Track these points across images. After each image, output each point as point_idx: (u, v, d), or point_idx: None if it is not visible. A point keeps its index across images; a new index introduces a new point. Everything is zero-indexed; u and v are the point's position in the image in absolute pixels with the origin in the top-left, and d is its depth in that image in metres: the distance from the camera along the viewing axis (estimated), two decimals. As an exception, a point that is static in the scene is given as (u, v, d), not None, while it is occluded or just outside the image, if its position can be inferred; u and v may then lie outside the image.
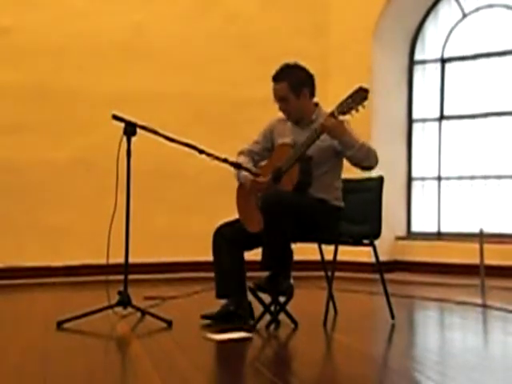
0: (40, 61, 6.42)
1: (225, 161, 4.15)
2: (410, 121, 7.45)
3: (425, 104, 7.39)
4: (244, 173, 4.23)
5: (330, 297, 4.31)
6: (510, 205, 6.86)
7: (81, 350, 3.51)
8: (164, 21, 6.83)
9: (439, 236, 7.20)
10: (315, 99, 4.29)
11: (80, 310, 4.12)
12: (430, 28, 7.38)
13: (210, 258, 4.33)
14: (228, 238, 4.24)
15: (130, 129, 4.11)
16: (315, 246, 4.44)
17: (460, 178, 7.18)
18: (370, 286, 5.68)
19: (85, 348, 3.58)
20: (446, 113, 7.28)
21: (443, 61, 7.32)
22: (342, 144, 4.02)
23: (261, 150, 4.39)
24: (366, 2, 7.10)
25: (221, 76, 6.85)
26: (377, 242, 4.32)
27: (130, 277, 4.18)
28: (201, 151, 4.14)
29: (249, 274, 4.26)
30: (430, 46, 7.38)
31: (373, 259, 4.34)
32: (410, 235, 7.37)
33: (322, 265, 4.55)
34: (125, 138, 4.10)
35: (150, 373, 3.05)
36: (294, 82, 4.19)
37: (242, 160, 4.32)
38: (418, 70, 7.45)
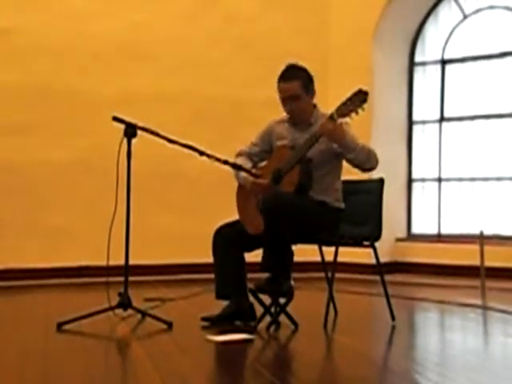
0: (40, 61, 6.42)
1: (225, 162, 4.15)
2: (411, 122, 7.45)
3: (425, 105, 7.39)
4: (243, 174, 4.23)
5: (331, 298, 4.31)
6: (510, 206, 6.86)
7: (81, 352, 3.51)
8: (164, 21, 6.83)
9: (439, 237, 7.20)
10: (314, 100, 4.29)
11: (80, 311, 4.12)
12: (431, 29, 7.38)
13: (210, 259, 4.33)
14: (228, 239, 4.24)
15: (131, 130, 4.11)
16: (315, 247, 4.44)
17: (460, 179, 7.17)
18: (371, 287, 5.68)
19: (85, 349, 3.58)
20: (446, 114, 7.28)
21: (443, 62, 7.32)
22: (342, 147, 4.02)
23: (259, 152, 4.38)
24: (366, 3, 7.10)
25: (221, 77, 6.86)
26: (377, 244, 4.32)
27: (131, 278, 4.18)
28: (201, 153, 4.14)
29: (249, 275, 4.26)
30: (430, 48, 7.38)
31: (373, 260, 4.34)
32: (411, 237, 7.36)
33: (322, 266, 4.55)
34: (125, 140, 4.10)
35: (150, 374, 3.05)
36: (305, 81, 4.18)
37: (241, 161, 4.31)
38: (419, 72, 7.45)
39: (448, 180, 7.25)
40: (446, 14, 7.29)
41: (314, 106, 4.27)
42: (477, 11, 7.13)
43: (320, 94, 4.33)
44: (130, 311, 4.20)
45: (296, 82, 4.16)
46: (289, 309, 4.13)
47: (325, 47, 7.11)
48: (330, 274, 4.35)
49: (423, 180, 7.39)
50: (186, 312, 4.78)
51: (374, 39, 7.10)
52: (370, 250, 4.31)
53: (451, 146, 7.24)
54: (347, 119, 3.99)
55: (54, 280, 6.22)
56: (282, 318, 4.13)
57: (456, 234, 7.08)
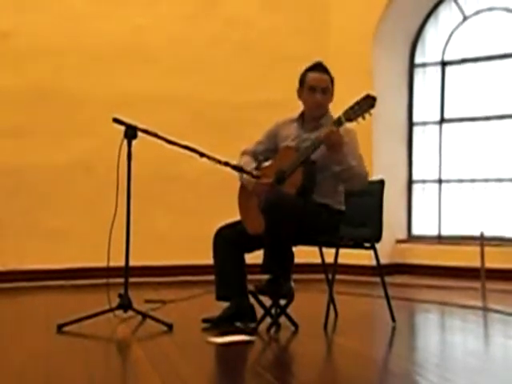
0: (40, 63, 6.42)
1: (226, 164, 4.15)
2: (411, 124, 7.45)
3: (425, 107, 7.39)
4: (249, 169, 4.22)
5: (331, 300, 4.31)
6: (511, 208, 6.85)
7: (81, 353, 3.51)
8: (164, 23, 6.83)
9: (440, 239, 7.20)
10: None
11: (80, 313, 4.12)
12: (431, 31, 7.38)
13: (210, 261, 4.33)
14: (228, 240, 4.24)
15: (131, 132, 4.11)
16: (316, 248, 4.44)
17: (460, 181, 7.17)
18: (371, 288, 5.68)
19: (85, 351, 3.58)
20: (446, 116, 7.27)
21: (444, 64, 7.32)
22: (331, 158, 4.03)
23: (264, 151, 4.38)
24: (367, 4, 7.10)
25: (221, 79, 6.86)
26: (377, 245, 4.32)
27: (131, 280, 4.18)
28: (201, 154, 4.14)
29: (250, 277, 4.26)
30: (430, 49, 7.38)
31: (373, 262, 4.34)
32: (411, 238, 7.36)
33: (322, 268, 4.55)
34: (125, 141, 4.10)
35: (150, 376, 3.05)
36: (333, 81, 4.26)
37: (245, 159, 4.32)
38: (419, 73, 7.45)
39: (448, 181, 7.25)
40: (446, 16, 7.29)
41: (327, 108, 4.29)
42: (477, 13, 7.13)
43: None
44: (130, 313, 4.19)
45: (329, 77, 4.24)
46: (289, 310, 4.13)
47: (325, 49, 7.09)
48: (330, 276, 4.35)
49: (423, 181, 7.39)
50: (187, 314, 4.78)
51: (374, 41, 7.10)
52: (371, 252, 4.31)
53: (451, 147, 7.23)
54: (355, 127, 4.00)
55: (54, 281, 6.22)
56: (283, 319, 4.13)
57: (456, 236, 7.08)
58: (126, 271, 4.14)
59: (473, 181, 7.09)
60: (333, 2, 7.20)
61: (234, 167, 4.19)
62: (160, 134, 4.16)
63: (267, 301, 4.18)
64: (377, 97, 3.96)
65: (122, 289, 4.12)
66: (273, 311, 4.17)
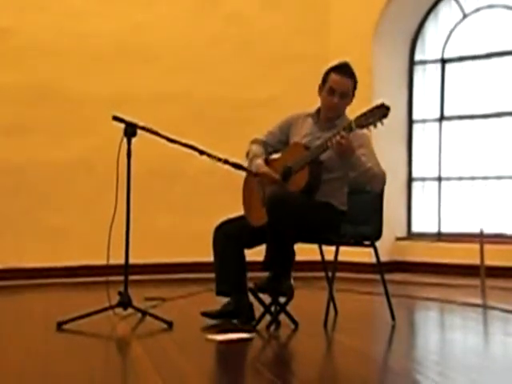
0: (40, 62, 6.41)
1: (225, 162, 4.14)
2: (411, 121, 7.44)
3: (425, 105, 7.39)
4: (258, 161, 4.22)
5: (331, 297, 4.31)
6: (510, 205, 6.85)
7: (81, 351, 3.52)
8: (164, 22, 6.83)
9: (439, 236, 7.20)
10: None
11: (80, 310, 4.12)
12: (430, 28, 7.37)
13: (210, 258, 4.33)
14: (229, 235, 4.24)
15: (131, 130, 4.11)
16: (316, 246, 4.44)
17: (460, 178, 7.17)
18: (371, 286, 5.68)
19: (85, 349, 3.58)
20: (446, 113, 7.27)
21: (443, 61, 7.32)
22: (346, 164, 4.02)
23: (275, 142, 4.36)
24: (366, 2, 7.09)
25: (221, 77, 6.85)
26: (377, 243, 4.32)
27: (131, 277, 4.18)
28: (201, 152, 4.14)
29: (250, 274, 4.26)
30: (430, 47, 7.38)
31: (373, 260, 4.34)
32: (411, 236, 7.36)
33: (322, 265, 4.55)
34: (125, 139, 4.10)
35: (150, 373, 3.05)
36: (355, 85, 4.22)
37: (255, 149, 4.31)
38: (419, 71, 7.45)
39: (448, 179, 7.25)
40: (446, 13, 7.28)
41: (344, 110, 4.27)
42: (476, 10, 7.13)
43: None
44: (130, 310, 4.19)
45: (352, 82, 4.20)
46: (289, 308, 4.13)
47: (325, 47, 7.09)
48: (330, 274, 4.35)
49: (423, 179, 7.39)
50: (186, 311, 4.78)
51: (373, 38, 7.10)
52: (371, 250, 4.31)
53: (451, 144, 7.23)
54: (365, 130, 4.00)
55: (54, 279, 6.22)
56: (282, 317, 4.13)
57: (456, 233, 7.08)
58: (126, 269, 4.14)
59: (472, 178, 7.09)
60: (333, 0, 7.18)
61: (234, 165, 4.18)
62: (160, 131, 4.16)
63: (267, 298, 4.18)
64: (390, 107, 3.95)
65: (122, 286, 4.12)
66: (272, 309, 4.17)
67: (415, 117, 7.43)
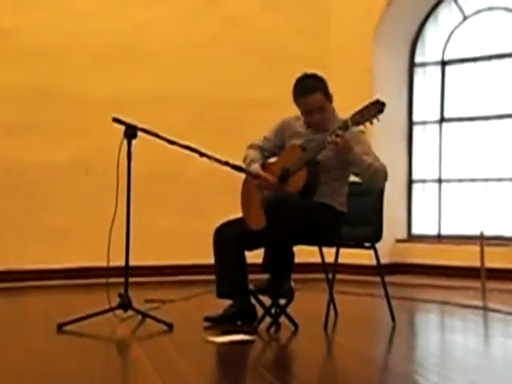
0: (40, 63, 6.41)
1: (226, 163, 4.14)
2: (411, 123, 7.44)
3: (425, 106, 7.39)
4: (255, 166, 4.22)
5: (331, 299, 4.31)
6: (511, 207, 6.85)
7: (81, 353, 3.51)
8: (164, 23, 6.83)
9: (440, 238, 7.19)
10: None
11: (80, 312, 4.11)
12: (431, 30, 7.38)
13: (210, 260, 4.32)
14: (228, 237, 4.24)
15: (131, 131, 4.11)
16: (316, 248, 4.44)
17: (460, 180, 7.17)
18: (371, 288, 5.67)
19: (85, 351, 3.58)
20: (446, 115, 7.27)
21: (443, 63, 7.32)
22: (346, 161, 4.02)
23: (271, 147, 4.37)
24: (367, 4, 7.09)
25: (221, 78, 6.85)
26: (377, 245, 4.32)
27: (131, 279, 4.18)
28: (201, 154, 4.14)
29: (250, 276, 4.26)
30: (430, 49, 7.38)
31: (373, 262, 4.33)
32: (411, 238, 7.35)
33: (322, 267, 4.55)
34: (125, 141, 4.10)
35: (150, 376, 3.05)
36: (325, 90, 4.17)
37: (252, 154, 4.32)
38: (419, 73, 7.45)
39: (448, 181, 7.25)
40: (446, 15, 7.28)
41: (333, 110, 4.26)
42: (477, 12, 7.13)
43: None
44: (130, 312, 4.19)
45: (318, 94, 4.13)
46: (289, 310, 4.13)
47: (325, 48, 7.10)
48: (330, 276, 4.35)
49: (423, 181, 7.39)
50: (187, 313, 4.78)
51: (374, 40, 7.10)
52: (371, 251, 4.30)
53: (451, 146, 7.23)
54: (362, 127, 4.00)
55: (54, 281, 6.22)
56: (283, 319, 4.13)
57: (456, 235, 7.08)
58: (126, 271, 4.14)
59: (473, 180, 7.09)
60: (333, 1, 7.19)
61: (234, 167, 4.18)
62: (160, 133, 4.16)
63: (267, 300, 4.18)
64: (386, 102, 3.94)
65: (122, 288, 4.12)
66: (273, 311, 4.17)
67: (415, 118, 7.43)
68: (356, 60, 7.04)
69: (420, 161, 7.41)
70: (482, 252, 5.68)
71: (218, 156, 4.15)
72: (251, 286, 4.15)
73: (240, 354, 3.56)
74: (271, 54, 6.92)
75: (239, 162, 4.29)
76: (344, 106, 4.08)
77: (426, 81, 7.40)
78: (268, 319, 4.14)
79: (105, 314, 4.10)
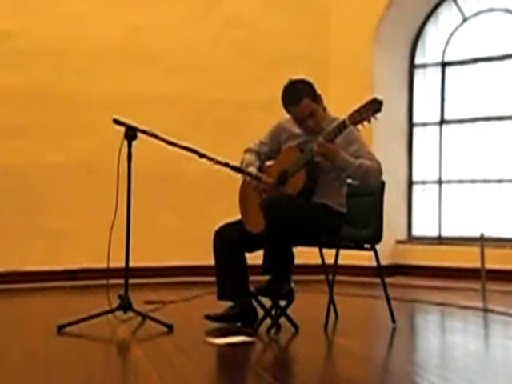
0: (40, 64, 6.42)
1: (226, 165, 4.14)
2: (411, 125, 7.45)
3: (425, 108, 7.39)
4: (250, 169, 4.22)
5: (331, 301, 4.31)
6: (511, 209, 6.85)
7: (81, 355, 3.51)
8: (164, 24, 6.83)
9: (440, 240, 7.20)
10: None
11: (80, 314, 4.11)
12: (431, 32, 7.38)
13: (210, 261, 4.33)
14: (228, 239, 4.24)
15: (131, 133, 4.11)
16: (316, 249, 4.44)
17: (461, 181, 7.17)
18: (371, 289, 5.68)
19: (85, 352, 3.57)
20: (446, 117, 7.28)
21: (444, 65, 7.33)
22: (335, 166, 4.03)
23: (267, 151, 4.38)
24: (367, 5, 7.10)
25: (222, 79, 6.86)
26: (378, 246, 4.32)
27: (131, 281, 4.18)
28: (201, 155, 4.14)
29: (250, 277, 4.26)
30: (430, 50, 7.39)
31: (374, 263, 4.34)
32: (411, 239, 7.36)
33: (322, 269, 4.55)
34: (125, 142, 4.10)
35: (150, 377, 3.05)
36: (310, 93, 4.13)
37: (248, 157, 4.32)
38: (419, 74, 7.45)
39: (448, 182, 7.25)
40: (446, 17, 7.29)
41: (324, 109, 4.26)
42: (477, 14, 7.14)
43: (320, 97, 4.33)
44: (130, 314, 4.19)
45: (306, 100, 4.10)
46: (289, 311, 4.12)
47: (325, 49, 7.11)
48: (330, 277, 4.35)
49: (424, 182, 7.39)
50: (187, 314, 4.78)
51: (374, 41, 7.10)
52: (371, 253, 4.31)
53: (452, 148, 7.24)
54: (359, 126, 4.00)
55: (54, 282, 6.22)
56: (283, 320, 4.12)
57: (456, 237, 7.08)
58: (126, 272, 4.14)
59: (473, 182, 7.09)
60: (333, 2, 7.20)
61: (234, 168, 4.18)
62: (160, 134, 4.16)
63: (267, 302, 4.18)
64: (383, 101, 3.94)
65: (122, 290, 4.12)
66: (273, 312, 4.17)
67: (415, 120, 7.44)
68: (356, 61, 7.04)
69: (420, 162, 7.41)
70: (482, 253, 5.68)
71: (218, 157, 4.15)
72: (251, 288, 4.15)
73: (240, 355, 3.56)
74: (272, 56, 6.92)
75: (239, 164, 4.30)
76: (344, 108, 4.08)
77: (426, 82, 7.41)
78: (268, 321, 4.14)
79: (105, 315, 4.11)
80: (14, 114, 6.34)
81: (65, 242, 6.38)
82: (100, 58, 6.59)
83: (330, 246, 4.31)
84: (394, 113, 7.26)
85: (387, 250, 6.70)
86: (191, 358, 3.47)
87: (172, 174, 6.66)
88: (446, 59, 7.31)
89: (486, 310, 5.03)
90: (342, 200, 4.23)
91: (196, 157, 4.16)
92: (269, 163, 4.38)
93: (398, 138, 7.35)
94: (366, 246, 4.34)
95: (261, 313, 4.19)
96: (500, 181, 6.94)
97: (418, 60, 7.45)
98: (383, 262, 4.45)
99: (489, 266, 5.74)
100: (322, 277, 4.58)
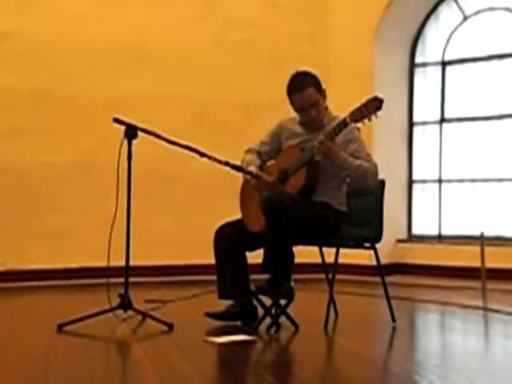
0: (40, 64, 6.42)
1: (226, 164, 4.15)
2: (411, 124, 7.44)
3: (425, 107, 7.39)
4: (251, 168, 4.22)
5: (331, 300, 4.31)
6: (511, 207, 6.85)
7: (81, 353, 3.51)
8: (165, 25, 6.83)
9: (440, 239, 7.20)
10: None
11: (81, 312, 4.12)
12: (431, 31, 7.38)
13: (211, 260, 4.33)
14: (229, 238, 4.24)
15: (131, 131, 4.11)
16: (316, 248, 4.44)
17: (461, 180, 7.17)
18: (371, 288, 5.68)
19: (85, 351, 3.58)
20: (446, 116, 7.27)
21: (444, 64, 7.32)
22: (335, 165, 4.04)
23: (268, 151, 4.38)
24: (367, 5, 7.09)
25: (221, 80, 6.85)
26: (378, 245, 4.32)
27: (131, 280, 4.18)
28: (202, 154, 4.14)
29: (250, 276, 4.26)
30: (430, 49, 7.38)
31: (374, 262, 4.34)
32: (411, 238, 7.36)
33: (323, 267, 4.55)
34: (126, 141, 4.11)
35: (150, 376, 3.05)
36: (316, 85, 4.18)
37: (250, 158, 4.32)
38: (419, 73, 7.45)
39: (449, 181, 7.25)
40: (447, 16, 7.29)
41: (326, 108, 4.27)
42: (477, 13, 7.13)
43: (320, 96, 4.33)
44: (130, 312, 4.20)
45: (310, 89, 4.14)
46: (289, 310, 4.13)
47: (325, 49, 7.11)
48: (330, 276, 4.35)
49: (424, 181, 7.39)
50: (187, 313, 4.78)
51: (374, 40, 7.10)
52: (371, 252, 4.31)
53: (452, 147, 7.23)
54: (359, 124, 4.00)
55: (54, 281, 6.22)
56: (283, 319, 4.13)
57: (457, 236, 7.08)
58: (127, 271, 4.14)
59: (473, 181, 7.09)
60: (333, 2, 7.20)
61: (235, 167, 4.19)
62: (160, 133, 4.16)
63: (267, 300, 4.18)
64: (384, 99, 3.95)
65: (123, 288, 4.13)
66: (273, 311, 4.17)
67: (416, 119, 7.43)
68: (356, 60, 7.04)
69: (420, 161, 7.41)
70: (482, 252, 5.68)
71: (218, 156, 4.15)
72: (252, 287, 4.15)
73: (240, 354, 3.56)
74: (272, 56, 6.92)
75: (239, 162, 4.30)
76: (344, 107, 4.08)
77: (426, 81, 7.40)
78: (268, 319, 4.14)
79: (105, 314, 4.11)
80: (13, 115, 6.34)
81: (65, 241, 6.39)
82: (100, 59, 6.59)
83: (330, 245, 4.31)
84: (394, 112, 7.25)
85: (387, 249, 6.70)
86: (191, 356, 3.47)
87: (172, 173, 6.66)
88: (447, 58, 7.31)
89: (486, 309, 5.03)
90: (342, 199, 4.23)
91: (196, 156, 4.16)
92: (270, 163, 4.39)
93: (398, 136, 7.34)
94: (366, 244, 4.34)
95: (261, 312, 4.19)
96: (500, 180, 6.93)
97: (418, 59, 7.45)
98: (383, 261, 4.45)
99: (489, 264, 5.74)
100: (322, 276, 4.58)
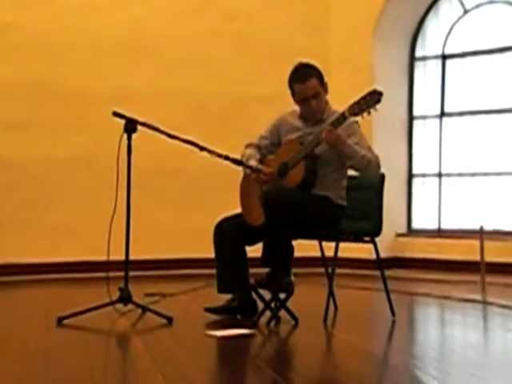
0: (39, 57, 6.42)
1: (226, 158, 4.14)
2: (411, 118, 7.44)
3: (425, 101, 7.38)
4: (251, 162, 4.22)
5: (331, 293, 4.31)
6: (511, 201, 6.85)
7: (81, 347, 3.52)
8: (164, 18, 6.82)
9: (440, 233, 7.20)
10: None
11: (81, 306, 4.12)
12: (431, 24, 7.37)
13: (210, 254, 4.33)
14: (229, 232, 4.24)
15: (131, 125, 4.10)
16: (316, 242, 4.44)
17: (461, 174, 7.17)
18: (371, 282, 5.68)
19: (85, 344, 3.58)
20: (446, 109, 7.27)
21: (444, 57, 7.31)
22: (340, 154, 4.04)
23: (268, 145, 4.38)
24: (367, -2, 7.09)
25: (221, 73, 6.85)
26: (377, 239, 4.33)
27: (131, 273, 4.19)
28: (201, 148, 4.14)
29: (250, 270, 4.26)
30: (430, 43, 7.37)
31: (373, 256, 4.34)
32: (411, 232, 7.36)
33: (322, 261, 4.55)
34: (125, 135, 4.10)
35: (150, 369, 3.06)
36: (319, 77, 4.19)
37: (250, 152, 4.32)
38: (419, 67, 7.44)
39: (448, 175, 7.25)
40: (447, 9, 7.28)
41: (326, 102, 4.27)
42: (477, 6, 7.12)
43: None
44: (130, 306, 4.20)
45: (313, 80, 4.15)
46: (289, 304, 4.13)
47: (325, 42, 7.10)
48: (330, 270, 4.35)
49: (424, 175, 7.39)
50: (187, 307, 4.78)
51: (374, 34, 7.09)
52: (371, 246, 4.31)
53: (452, 141, 7.23)
54: (358, 118, 4.00)
55: (54, 275, 6.23)
56: (282, 313, 4.13)
57: (456, 229, 7.08)
58: (126, 265, 4.14)
59: (473, 175, 7.09)
60: (333, -5, 7.19)
61: (234, 161, 4.19)
62: (160, 127, 4.16)
63: (267, 294, 4.18)
64: (383, 92, 3.95)
65: (122, 282, 4.13)
66: (272, 305, 4.18)
67: (416, 113, 7.43)
68: (356, 54, 7.03)
69: (420, 155, 7.41)
70: (481, 246, 5.69)
71: (218, 150, 4.15)
72: (251, 280, 4.15)
73: (240, 347, 3.56)
74: (272, 50, 6.91)
75: (239, 157, 4.30)
76: (344, 101, 4.08)
77: (426, 75, 7.39)
78: (268, 313, 4.14)
79: (105, 307, 4.11)
80: (13, 108, 6.34)
81: (65, 235, 6.39)
82: (100, 52, 6.59)
83: (329, 239, 4.31)
84: (394, 105, 7.25)
85: (387, 243, 6.70)
86: (191, 350, 3.47)
87: (172, 166, 6.66)
88: (447, 52, 7.30)
89: (485, 303, 5.04)
90: (341, 193, 4.23)
91: (196, 150, 4.16)
92: (270, 157, 4.38)
93: (397, 130, 7.34)
94: (366, 238, 4.35)
95: (260, 305, 4.19)
96: (500, 174, 6.93)
97: (418, 53, 7.44)
98: (383, 255, 4.45)
99: (488, 258, 5.74)
100: (322, 269, 4.59)
